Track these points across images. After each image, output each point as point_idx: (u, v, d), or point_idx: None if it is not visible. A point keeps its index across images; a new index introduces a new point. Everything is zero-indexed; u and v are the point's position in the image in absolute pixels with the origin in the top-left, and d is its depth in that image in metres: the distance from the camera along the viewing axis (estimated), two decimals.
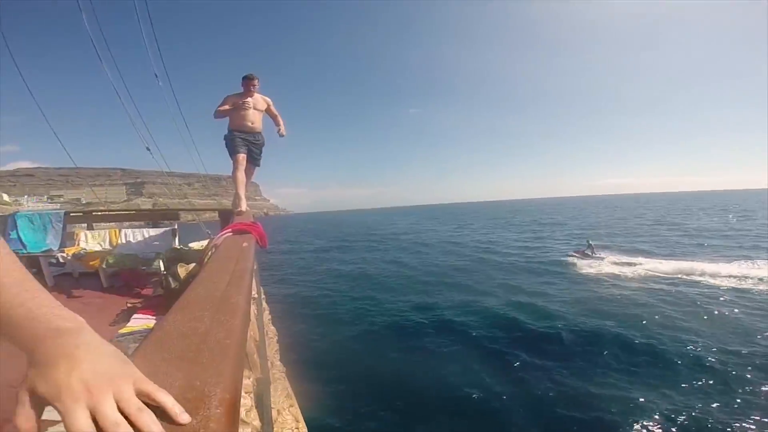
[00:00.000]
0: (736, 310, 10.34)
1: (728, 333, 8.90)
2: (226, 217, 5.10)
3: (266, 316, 2.76)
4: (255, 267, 2.97)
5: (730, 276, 13.74)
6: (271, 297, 10.06)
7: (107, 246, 5.31)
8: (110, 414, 0.40)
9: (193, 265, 2.95)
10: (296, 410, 2.61)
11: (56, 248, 4.75)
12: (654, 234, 29.40)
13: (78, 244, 5.16)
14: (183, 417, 0.45)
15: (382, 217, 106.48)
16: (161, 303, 3.11)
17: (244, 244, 2.13)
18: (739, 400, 6.23)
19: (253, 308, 2.03)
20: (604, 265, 16.77)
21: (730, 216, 41.69)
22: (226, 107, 4.20)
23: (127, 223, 6.24)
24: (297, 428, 2.40)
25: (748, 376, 6.97)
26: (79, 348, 0.45)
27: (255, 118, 4.33)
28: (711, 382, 6.90)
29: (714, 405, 6.15)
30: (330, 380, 7.01)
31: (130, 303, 3.22)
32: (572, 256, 18.50)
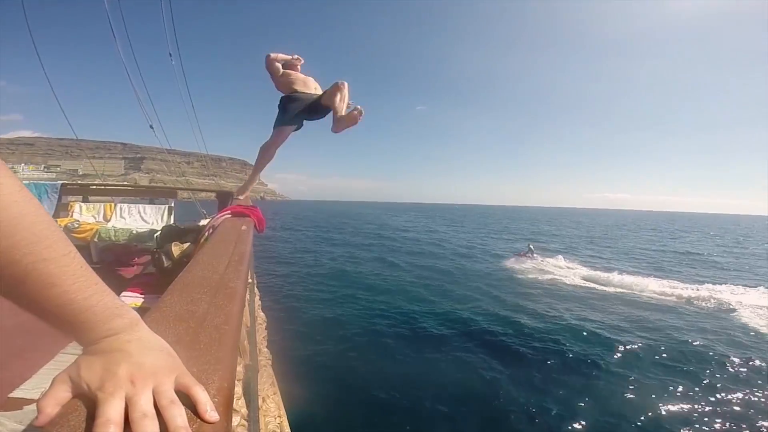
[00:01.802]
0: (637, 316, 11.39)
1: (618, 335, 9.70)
2: (224, 198, 5.06)
3: (257, 301, 2.74)
4: (251, 251, 2.94)
5: (650, 291, 14.77)
6: (259, 282, 10.09)
7: (101, 219, 5.26)
8: (142, 405, 0.42)
9: (188, 244, 2.91)
10: (278, 398, 2.60)
11: None
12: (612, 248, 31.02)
13: (72, 216, 5.11)
14: (210, 415, 0.45)
15: (380, 211, 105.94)
16: (151, 281, 3.06)
17: (243, 228, 2.10)
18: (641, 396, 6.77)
19: (247, 292, 2.00)
20: (541, 267, 18.61)
21: (708, 240, 42.82)
22: (283, 56, 3.59)
23: (122, 197, 6.18)
24: (279, 416, 2.39)
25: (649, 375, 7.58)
26: (131, 343, 0.48)
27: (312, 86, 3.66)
28: (605, 377, 7.42)
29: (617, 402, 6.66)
30: (310, 371, 7.04)
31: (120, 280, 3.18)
32: (514, 257, 20.51)
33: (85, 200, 5.57)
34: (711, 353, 8.69)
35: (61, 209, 5.16)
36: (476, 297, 13.13)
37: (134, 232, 4.57)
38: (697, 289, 14.80)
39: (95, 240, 4.49)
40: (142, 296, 2.76)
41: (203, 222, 3.52)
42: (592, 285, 15.53)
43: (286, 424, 2.62)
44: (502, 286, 14.89)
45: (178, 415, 0.42)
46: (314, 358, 7.72)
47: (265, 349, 2.44)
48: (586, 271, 18.11)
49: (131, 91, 5.11)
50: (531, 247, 21.10)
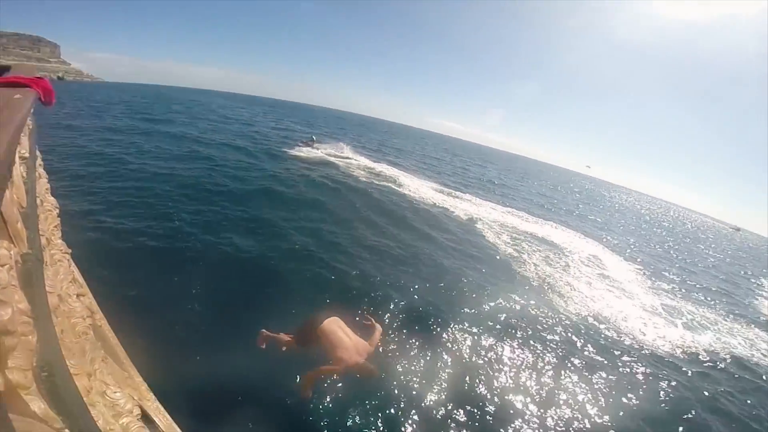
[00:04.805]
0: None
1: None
2: None
3: (43, 184, 2.24)
4: (33, 127, 2.31)
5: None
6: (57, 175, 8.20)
7: None
8: None
9: None
10: (90, 300, 2.30)
11: None
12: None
13: None
14: None
15: (225, 100, 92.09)
16: None
17: (17, 96, 1.64)
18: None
19: (22, 169, 1.60)
20: (319, 153, 23.61)
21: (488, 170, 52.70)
22: None
23: None
24: (90, 317, 2.13)
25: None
26: None
27: None
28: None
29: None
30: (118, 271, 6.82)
31: None
32: (299, 145, 25.05)
33: None
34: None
35: None
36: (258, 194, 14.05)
37: None
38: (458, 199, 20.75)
39: None
40: None
41: None
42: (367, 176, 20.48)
43: (103, 323, 2.37)
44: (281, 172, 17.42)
45: None
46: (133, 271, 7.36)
47: (59, 241, 2.05)
48: (363, 162, 23.90)
49: None
50: (313, 137, 26.23)
